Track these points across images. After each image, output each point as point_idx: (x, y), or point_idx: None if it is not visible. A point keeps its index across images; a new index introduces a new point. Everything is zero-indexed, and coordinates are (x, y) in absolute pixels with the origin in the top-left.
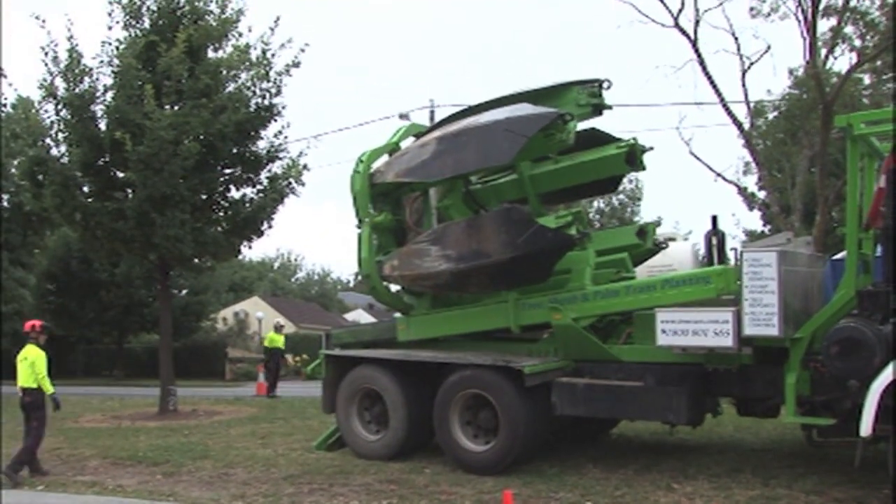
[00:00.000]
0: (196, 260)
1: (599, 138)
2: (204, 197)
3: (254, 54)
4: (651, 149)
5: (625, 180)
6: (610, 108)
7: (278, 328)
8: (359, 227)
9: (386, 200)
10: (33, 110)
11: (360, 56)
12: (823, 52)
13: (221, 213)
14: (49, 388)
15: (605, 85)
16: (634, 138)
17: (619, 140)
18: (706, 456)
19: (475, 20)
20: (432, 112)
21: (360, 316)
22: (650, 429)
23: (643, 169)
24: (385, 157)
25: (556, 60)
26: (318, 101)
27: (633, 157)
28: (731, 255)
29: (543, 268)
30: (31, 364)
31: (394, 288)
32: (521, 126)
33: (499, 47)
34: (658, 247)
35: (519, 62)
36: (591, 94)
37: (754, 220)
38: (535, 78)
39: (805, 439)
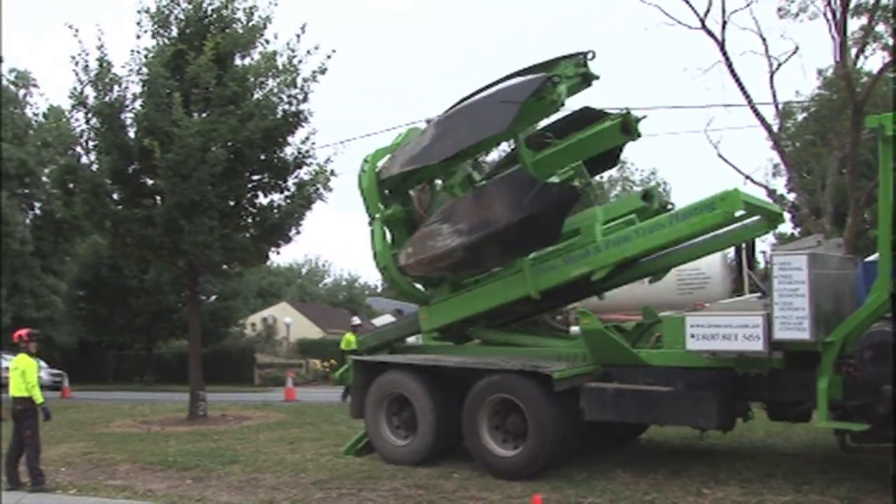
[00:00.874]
0: (224, 266)
1: (593, 116)
2: (232, 203)
3: (280, 61)
4: (644, 117)
5: (652, 184)
6: (597, 77)
7: (356, 329)
8: (370, 225)
9: (395, 196)
10: (64, 119)
11: (358, 57)
12: (854, 51)
13: (249, 220)
14: (39, 397)
15: (589, 56)
16: (627, 109)
17: (611, 114)
18: (737, 461)
19: (476, 21)
20: None
21: (388, 321)
22: (680, 433)
23: (638, 136)
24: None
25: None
26: (344, 105)
27: (628, 126)
28: (760, 258)
29: (553, 225)
30: (22, 373)
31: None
32: (512, 94)
33: (512, 49)
34: (664, 208)
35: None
36: (577, 65)
37: (784, 224)
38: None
39: (838, 444)
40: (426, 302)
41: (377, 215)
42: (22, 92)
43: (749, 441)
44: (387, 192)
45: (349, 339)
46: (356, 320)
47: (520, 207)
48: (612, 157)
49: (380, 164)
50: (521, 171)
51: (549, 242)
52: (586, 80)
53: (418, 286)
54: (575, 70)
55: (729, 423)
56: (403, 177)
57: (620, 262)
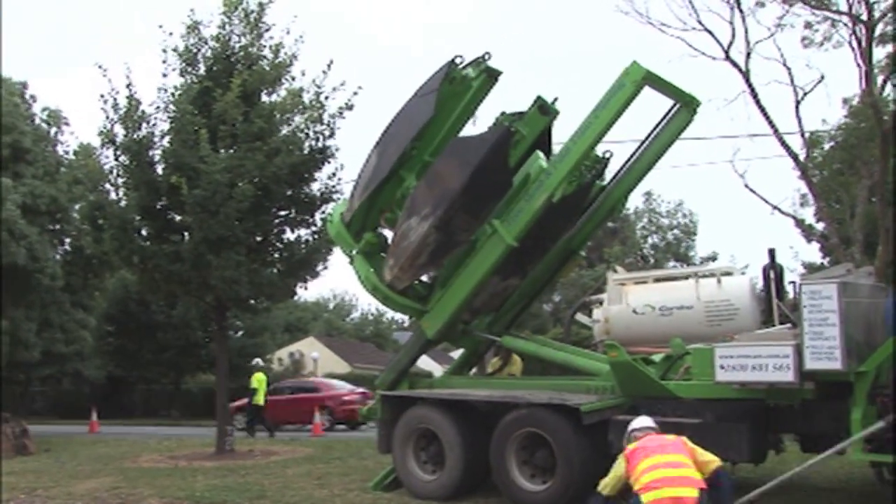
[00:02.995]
0: (252, 301)
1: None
2: (259, 239)
3: (307, 98)
4: (556, 99)
5: (679, 215)
6: (501, 72)
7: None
8: (351, 263)
9: (364, 229)
10: (93, 156)
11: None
12: (880, 79)
13: (277, 255)
14: None
15: (485, 56)
16: (538, 96)
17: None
18: (770, 496)
19: (504, 53)
20: None
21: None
22: None
23: (557, 113)
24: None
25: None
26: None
27: (545, 107)
28: (789, 288)
29: (500, 168)
30: None
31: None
32: (427, 87)
33: (537, 80)
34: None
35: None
36: (477, 65)
37: (813, 253)
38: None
39: (876, 477)
40: (424, 311)
41: (354, 251)
42: (53, 130)
43: (782, 475)
44: (356, 231)
45: (259, 378)
46: (260, 362)
47: (466, 164)
48: (546, 143)
49: (342, 211)
50: (456, 139)
51: (504, 188)
52: (492, 75)
53: (412, 301)
54: (477, 69)
55: (760, 456)
56: (366, 208)
57: (572, 170)
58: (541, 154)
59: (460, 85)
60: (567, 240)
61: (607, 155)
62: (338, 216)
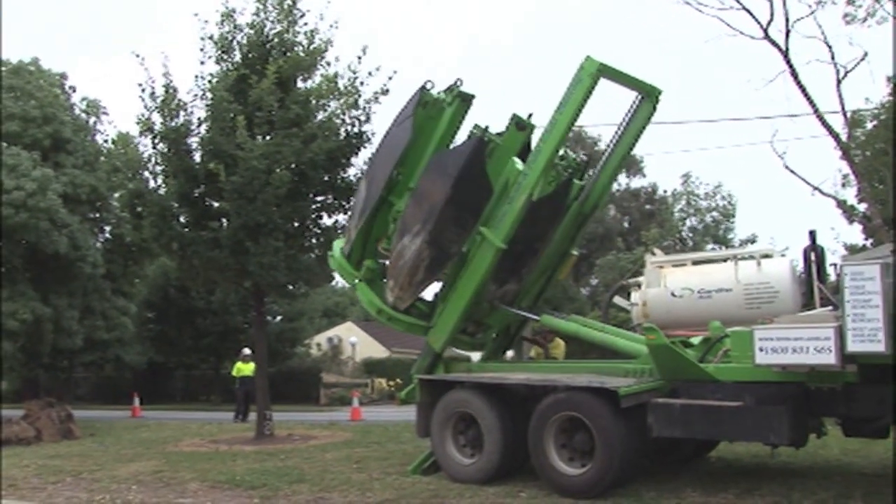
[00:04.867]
0: (290, 286)
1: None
2: (297, 224)
3: (342, 83)
4: (531, 115)
5: (717, 197)
6: (473, 95)
7: (245, 358)
8: (355, 291)
9: (364, 260)
10: (132, 145)
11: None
12: None
13: (314, 240)
14: None
15: (457, 83)
16: (514, 113)
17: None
18: (811, 480)
19: (542, 40)
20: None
21: None
22: (750, 451)
23: (533, 127)
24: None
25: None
26: None
27: (521, 123)
28: (830, 270)
29: (479, 176)
30: None
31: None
32: (402, 114)
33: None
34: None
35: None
36: (449, 91)
37: (854, 234)
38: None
39: None
40: (429, 327)
41: (356, 281)
42: (92, 120)
43: (824, 459)
44: (357, 261)
45: (240, 368)
46: (247, 351)
47: (447, 176)
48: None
49: (341, 246)
50: (435, 156)
51: (486, 195)
52: (465, 100)
53: (416, 319)
54: (450, 94)
55: (801, 440)
56: (363, 237)
57: (546, 167)
58: (516, 159)
59: (434, 108)
60: (559, 240)
61: (582, 159)
62: (338, 250)
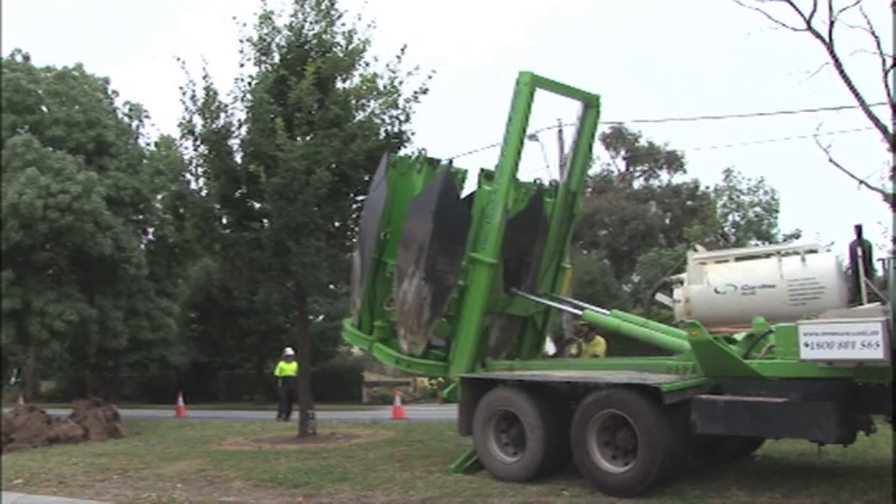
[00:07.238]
0: (332, 286)
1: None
2: (338, 224)
3: (381, 83)
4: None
5: (760, 192)
6: (440, 160)
7: (287, 358)
8: (372, 352)
9: (374, 322)
10: (174, 147)
11: (461, 74)
12: None
13: (355, 240)
14: None
15: (423, 151)
16: (481, 168)
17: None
18: (860, 479)
19: (581, 31)
20: (560, 131)
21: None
22: (797, 449)
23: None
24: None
25: (673, 71)
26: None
27: (491, 175)
28: (878, 265)
29: (455, 205)
30: None
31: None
32: (376, 178)
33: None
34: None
35: (637, 70)
36: (417, 158)
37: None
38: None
39: None
40: (447, 367)
41: (371, 343)
42: (135, 123)
43: (873, 458)
44: (368, 329)
45: (282, 367)
46: (290, 351)
47: (427, 212)
48: None
49: (351, 322)
50: (411, 201)
51: (467, 223)
52: (431, 164)
53: (433, 361)
54: (418, 161)
55: (849, 437)
56: (368, 304)
57: (511, 178)
58: (486, 184)
59: (404, 166)
60: (549, 256)
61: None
62: (348, 325)
